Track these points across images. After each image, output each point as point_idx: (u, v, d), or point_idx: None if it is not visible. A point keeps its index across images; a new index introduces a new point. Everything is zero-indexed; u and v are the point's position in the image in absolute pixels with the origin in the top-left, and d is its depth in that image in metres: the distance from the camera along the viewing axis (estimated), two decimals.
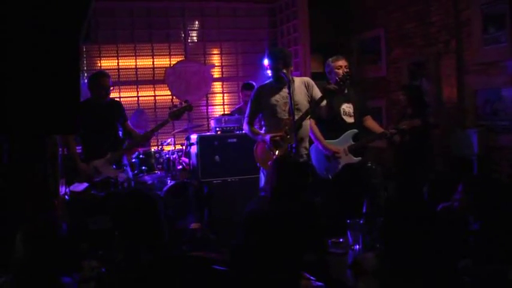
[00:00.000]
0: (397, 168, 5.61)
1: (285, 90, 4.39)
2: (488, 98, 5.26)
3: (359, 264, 2.89)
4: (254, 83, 6.26)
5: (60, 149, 4.65)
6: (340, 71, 4.69)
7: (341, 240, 3.37)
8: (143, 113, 6.60)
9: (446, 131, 5.64)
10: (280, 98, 4.48)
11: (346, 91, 4.83)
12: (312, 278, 2.59)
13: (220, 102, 7.67)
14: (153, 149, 5.94)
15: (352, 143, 4.77)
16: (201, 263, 2.71)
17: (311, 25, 6.94)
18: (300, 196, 3.20)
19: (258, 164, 4.66)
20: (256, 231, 2.54)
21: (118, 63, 7.09)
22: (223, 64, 7.64)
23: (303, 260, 2.77)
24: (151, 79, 7.27)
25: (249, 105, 4.70)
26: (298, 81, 4.56)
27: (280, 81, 4.42)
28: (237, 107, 6.95)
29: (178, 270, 2.42)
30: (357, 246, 3.22)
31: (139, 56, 7.18)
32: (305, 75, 6.26)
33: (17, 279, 2.30)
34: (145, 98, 7.25)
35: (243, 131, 4.85)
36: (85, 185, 4.87)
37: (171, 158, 5.80)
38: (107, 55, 7.05)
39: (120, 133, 5.23)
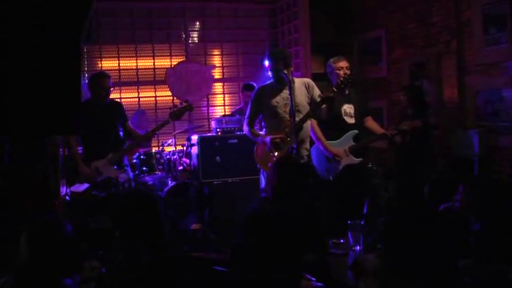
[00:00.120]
0: (397, 168, 5.61)
1: (286, 91, 4.38)
2: (489, 99, 5.26)
3: (360, 265, 2.88)
4: (255, 84, 6.26)
5: (61, 150, 4.66)
6: (342, 72, 4.69)
7: (342, 241, 3.36)
8: (144, 113, 6.61)
9: (447, 131, 5.63)
10: (280, 99, 4.47)
11: (347, 92, 4.83)
12: (312, 278, 2.58)
13: (221, 103, 7.67)
14: (153, 150, 5.95)
15: (353, 143, 4.77)
16: (202, 264, 2.72)
17: (312, 26, 6.93)
18: (300, 196, 3.20)
19: (258, 166, 4.65)
20: (256, 231, 2.54)
21: (119, 63, 7.10)
22: (224, 65, 7.65)
23: (303, 261, 2.77)
24: (152, 80, 7.27)
25: (249, 106, 4.69)
26: (299, 82, 4.55)
27: (281, 82, 4.41)
28: (237, 107, 6.95)
29: (178, 271, 2.42)
30: (358, 247, 3.21)
31: (140, 56, 7.18)
32: (306, 76, 6.27)
33: (19, 281, 2.30)
34: (146, 99, 7.26)
35: (243, 132, 4.85)
36: (86, 185, 4.88)
37: (172, 159, 5.81)
38: (108, 56, 7.05)
39: (121, 133, 5.24)
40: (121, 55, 7.10)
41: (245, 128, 4.68)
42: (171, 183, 5.72)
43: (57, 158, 4.31)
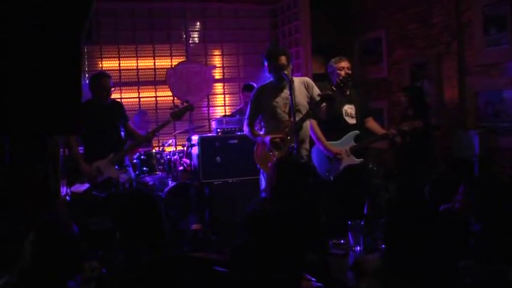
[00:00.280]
0: (398, 169, 5.61)
1: (286, 91, 4.38)
2: (489, 100, 5.26)
3: (360, 266, 2.88)
4: (255, 84, 6.25)
5: (61, 150, 4.66)
6: (343, 72, 4.69)
7: (342, 241, 3.36)
8: (145, 114, 6.62)
9: (448, 132, 5.63)
10: (280, 99, 4.46)
11: (348, 92, 4.83)
12: (312, 279, 2.58)
13: (221, 103, 7.68)
14: (154, 150, 5.95)
15: (354, 144, 4.76)
16: (202, 264, 2.71)
17: (312, 26, 6.94)
18: (300, 196, 3.20)
19: (258, 166, 4.65)
20: (256, 231, 2.54)
21: (119, 64, 7.10)
22: (224, 65, 7.65)
23: (303, 261, 2.76)
24: (153, 80, 7.28)
25: (249, 106, 4.68)
26: (298, 82, 4.54)
27: (281, 82, 4.41)
28: (238, 108, 6.95)
29: (178, 271, 2.42)
30: (358, 248, 3.21)
31: (140, 56, 7.19)
32: (306, 76, 6.26)
33: (23, 282, 2.29)
34: (147, 99, 7.26)
35: (244, 132, 4.85)
36: (86, 185, 4.87)
37: (172, 159, 5.81)
38: (108, 56, 7.06)
39: (123, 134, 5.23)
40: (121, 55, 7.10)
41: (245, 128, 4.68)
42: (171, 183, 5.72)
43: (57, 158, 4.30)
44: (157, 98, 7.28)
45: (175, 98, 7.15)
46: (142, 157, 5.54)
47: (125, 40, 7.09)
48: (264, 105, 4.54)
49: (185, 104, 5.30)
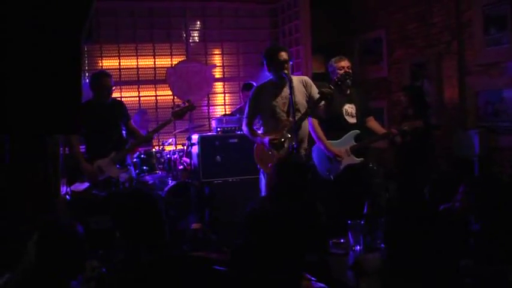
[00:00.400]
0: (398, 168, 5.61)
1: (285, 90, 4.38)
2: (489, 99, 5.26)
3: (360, 265, 2.88)
4: (255, 83, 6.25)
5: (61, 149, 4.66)
6: (343, 72, 4.69)
7: (342, 241, 3.36)
8: (146, 113, 6.61)
9: (448, 132, 5.63)
10: (279, 98, 4.45)
11: (348, 92, 4.83)
12: (312, 278, 2.58)
13: (221, 103, 7.68)
14: (154, 149, 5.95)
15: (355, 143, 4.76)
16: (202, 263, 2.71)
17: (312, 26, 6.93)
18: (300, 196, 3.20)
19: (258, 165, 4.64)
20: (256, 231, 2.53)
21: (119, 63, 7.10)
22: (224, 64, 7.65)
23: (303, 261, 2.76)
24: (153, 79, 7.27)
25: (247, 106, 4.65)
26: (296, 81, 4.52)
27: (281, 81, 4.41)
28: (238, 107, 6.94)
29: (178, 270, 2.41)
30: (358, 247, 3.21)
31: (140, 56, 7.18)
32: (306, 76, 6.25)
33: (26, 282, 2.29)
34: (147, 98, 7.26)
35: (243, 132, 4.85)
36: (86, 184, 4.87)
37: (172, 158, 5.81)
38: (109, 55, 7.06)
39: (124, 133, 5.23)
40: (122, 54, 7.10)
41: (244, 128, 4.66)
42: (171, 182, 5.72)
43: (57, 158, 4.30)
44: (158, 97, 7.28)
45: (176, 97, 7.15)
46: (142, 156, 5.54)
47: (125, 39, 7.08)
48: (263, 104, 4.53)
49: (187, 104, 5.30)
